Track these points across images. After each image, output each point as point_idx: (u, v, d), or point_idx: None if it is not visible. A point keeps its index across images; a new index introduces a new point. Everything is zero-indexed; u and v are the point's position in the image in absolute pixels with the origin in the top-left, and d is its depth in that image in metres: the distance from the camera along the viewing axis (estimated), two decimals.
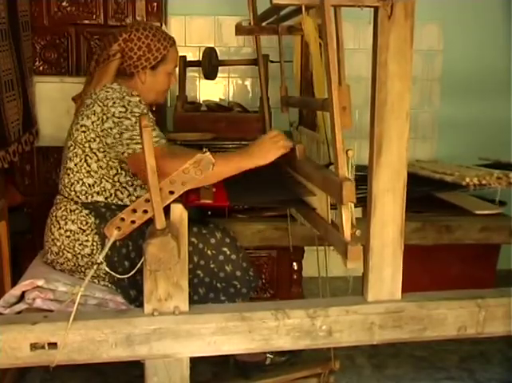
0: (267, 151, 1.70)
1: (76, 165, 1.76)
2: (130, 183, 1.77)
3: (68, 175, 1.77)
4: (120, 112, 1.68)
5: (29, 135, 2.42)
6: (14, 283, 1.77)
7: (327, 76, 1.32)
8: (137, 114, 1.68)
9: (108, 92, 1.72)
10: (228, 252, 1.76)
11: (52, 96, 2.54)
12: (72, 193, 1.76)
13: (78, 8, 2.58)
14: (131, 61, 1.82)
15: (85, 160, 1.74)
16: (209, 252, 1.74)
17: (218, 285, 1.73)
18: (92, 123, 1.71)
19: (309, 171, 1.62)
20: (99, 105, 1.71)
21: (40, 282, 1.63)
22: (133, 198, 1.77)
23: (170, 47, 1.85)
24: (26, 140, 2.36)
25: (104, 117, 1.69)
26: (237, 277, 1.75)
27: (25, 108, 2.35)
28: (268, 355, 2.04)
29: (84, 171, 1.75)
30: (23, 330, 1.36)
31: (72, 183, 1.76)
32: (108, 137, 1.69)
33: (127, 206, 1.72)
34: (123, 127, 1.67)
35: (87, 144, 1.73)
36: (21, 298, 1.64)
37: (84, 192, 1.75)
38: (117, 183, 1.76)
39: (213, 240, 1.76)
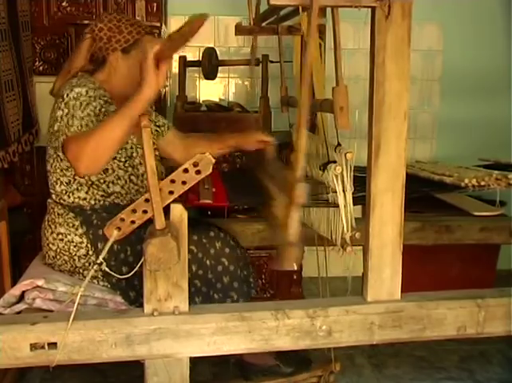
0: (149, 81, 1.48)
1: (51, 166, 1.77)
2: (102, 180, 1.75)
3: (49, 177, 1.79)
4: (60, 101, 1.65)
5: (29, 135, 2.42)
6: (14, 283, 1.77)
7: (301, 71, 1.31)
8: (71, 105, 1.62)
9: (65, 88, 1.69)
10: (226, 263, 1.74)
11: (51, 97, 2.54)
12: (59, 194, 1.77)
13: (78, 8, 2.58)
14: (101, 42, 1.77)
15: (57, 160, 1.74)
16: (208, 262, 1.72)
17: (215, 295, 1.72)
18: (52, 121, 1.70)
19: (273, 173, 1.62)
20: (56, 103, 1.69)
21: (40, 282, 1.63)
22: (109, 192, 1.76)
23: (145, 34, 1.80)
24: (26, 140, 2.36)
25: (54, 115, 1.67)
26: (234, 288, 1.74)
27: (25, 109, 2.35)
28: (278, 363, 2.04)
29: (58, 170, 1.75)
30: (23, 330, 1.36)
31: (53, 185, 1.77)
32: (51, 133, 1.68)
33: (109, 203, 1.74)
34: (55, 118, 1.64)
35: (52, 144, 1.72)
36: (21, 298, 1.64)
37: (64, 191, 1.75)
38: (89, 182, 1.75)
39: (212, 250, 1.74)
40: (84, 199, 1.75)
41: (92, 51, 1.81)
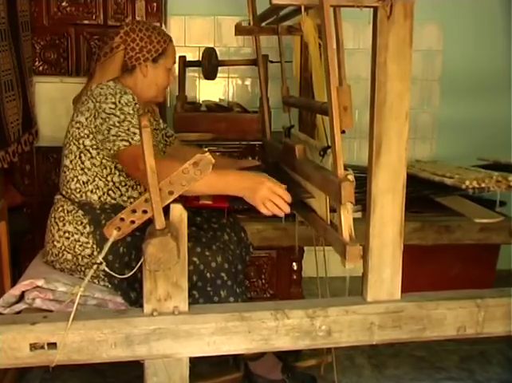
0: (259, 198, 1.58)
1: (71, 162, 1.77)
2: (123, 183, 1.78)
3: (65, 172, 1.79)
4: (110, 108, 1.68)
5: (29, 135, 2.42)
6: (14, 283, 1.77)
7: (326, 77, 1.32)
8: (127, 112, 1.68)
9: (102, 89, 1.74)
10: (225, 277, 1.74)
11: (51, 97, 2.54)
12: (69, 191, 1.77)
13: (78, 8, 2.58)
14: (134, 52, 1.82)
15: (79, 157, 1.75)
16: (208, 275, 1.72)
17: None
18: (86, 119, 1.72)
19: (308, 172, 1.62)
20: (92, 101, 1.72)
21: (39, 282, 1.63)
22: (124, 198, 1.78)
23: (169, 41, 1.88)
24: (26, 141, 2.36)
25: (96, 113, 1.70)
26: (229, 303, 1.74)
27: (24, 109, 2.35)
28: (285, 379, 2.05)
29: (78, 168, 1.76)
30: (23, 330, 1.36)
31: (68, 181, 1.78)
32: (99, 134, 1.70)
33: (120, 206, 1.75)
34: (110, 123, 1.67)
35: (81, 141, 1.74)
36: (21, 297, 1.64)
37: (78, 190, 1.76)
38: (110, 183, 1.76)
39: (213, 264, 1.74)
40: (99, 197, 1.76)
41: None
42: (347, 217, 1.38)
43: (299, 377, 2.05)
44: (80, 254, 1.73)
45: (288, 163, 1.85)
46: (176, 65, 2.69)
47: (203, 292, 1.71)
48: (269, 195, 1.58)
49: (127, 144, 1.64)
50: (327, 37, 1.29)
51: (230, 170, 1.65)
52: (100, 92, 1.72)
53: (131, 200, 1.78)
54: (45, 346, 1.36)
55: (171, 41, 1.89)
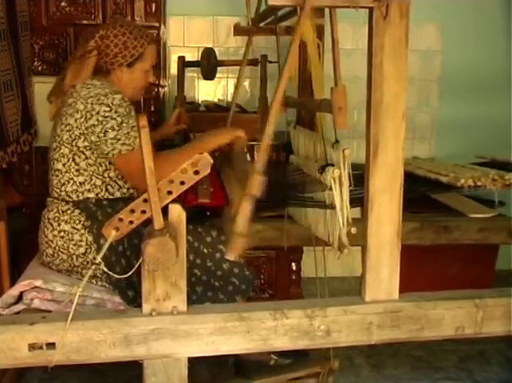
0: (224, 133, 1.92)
1: (64, 165, 1.76)
2: (120, 176, 1.79)
3: (57, 176, 1.78)
4: (105, 111, 1.68)
5: (28, 135, 2.42)
6: (13, 283, 1.77)
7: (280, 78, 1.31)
8: (122, 113, 1.69)
9: (89, 88, 1.73)
10: (224, 250, 1.74)
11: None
12: (63, 193, 1.77)
13: (77, 8, 2.58)
14: (108, 57, 1.82)
15: (73, 159, 1.75)
16: (205, 250, 1.74)
17: (216, 283, 1.73)
18: (76, 120, 1.72)
19: (236, 165, 1.63)
20: (82, 103, 1.71)
21: (38, 283, 1.63)
22: (124, 190, 1.79)
23: (147, 44, 1.85)
24: (25, 141, 2.37)
25: (88, 115, 1.69)
26: (235, 274, 1.75)
27: (23, 109, 2.35)
28: (273, 356, 2.04)
29: (73, 170, 1.75)
30: (21, 331, 1.36)
31: (63, 184, 1.77)
32: (92, 135, 1.70)
33: (117, 199, 1.75)
34: (107, 125, 1.67)
35: (74, 143, 1.74)
36: (20, 298, 1.65)
37: (75, 191, 1.76)
38: (107, 179, 1.77)
39: (209, 238, 1.75)
40: (96, 195, 1.76)
41: (97, 63, 1.83)
42: (245, 209, 1.36)
43: (290, 352, 2.03)
44: (74, 253, 1.73)
45: (227, 157, 1.95)
46: (175, 65, 2.71)
47: (204, 268, 1.72)
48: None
49: (129, 147, 1.66)
50: (295, 37, 1.29)
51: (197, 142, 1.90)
52: (88, 93, 1.72)
53: (131, 191, 1.80)
54: (44, 346, 1.36)
55: (149, 43, 1.86)
